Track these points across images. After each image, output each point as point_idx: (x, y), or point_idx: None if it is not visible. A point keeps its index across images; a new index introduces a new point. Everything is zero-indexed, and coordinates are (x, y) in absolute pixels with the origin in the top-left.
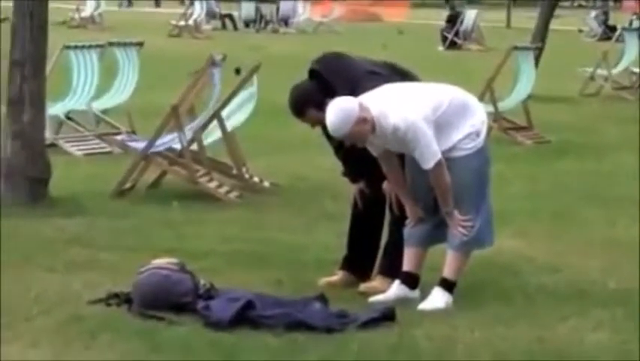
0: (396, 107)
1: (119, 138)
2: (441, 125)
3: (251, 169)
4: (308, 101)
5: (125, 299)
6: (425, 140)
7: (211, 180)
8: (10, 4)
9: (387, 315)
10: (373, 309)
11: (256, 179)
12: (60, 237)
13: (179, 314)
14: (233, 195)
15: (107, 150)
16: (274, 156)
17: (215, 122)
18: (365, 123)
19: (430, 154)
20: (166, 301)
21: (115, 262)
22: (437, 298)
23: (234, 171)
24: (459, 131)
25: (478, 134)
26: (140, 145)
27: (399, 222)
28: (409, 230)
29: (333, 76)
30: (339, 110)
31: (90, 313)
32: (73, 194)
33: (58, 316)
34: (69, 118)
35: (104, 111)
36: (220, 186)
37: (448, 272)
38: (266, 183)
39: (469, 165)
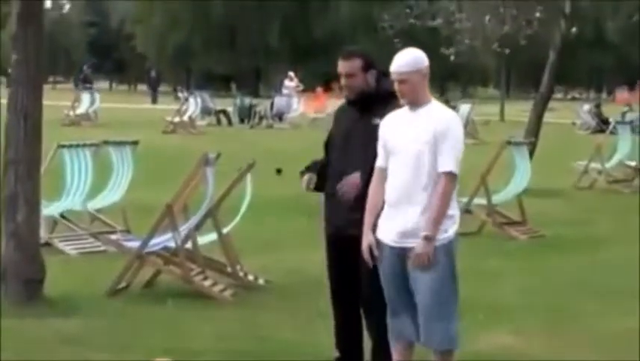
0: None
1: (113, 237)
2: None
3: (245, 267)
4: (365, 55)
5: None
6: (460, 148)
7: (205, 278)
8: (4, 101)
9: None
10: None
11: (250, 277)
12: (55, 337)
13: None
14: (227, 293)
15: (102, 248)
16: (268, 253)
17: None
18: (423, 80)
19: (456, 161)
20: None
21: None
22: None
23: (229, 270)
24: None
25: (455, 220)
26: (135, 244)
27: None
28: (391, 326)
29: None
30: (415, 50)
31: None
32: (68, 293)
33: None
34: (63, 217)
35: (99, 209)
36: (214, 284)
37: None
38: (260, 281)
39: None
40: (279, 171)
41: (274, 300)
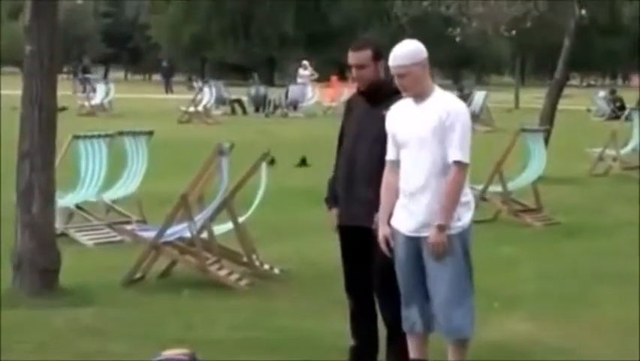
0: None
1: (129, 227)
2: None
3: (261, 256)
4: (375, 46)
5: None
6: (468, 137)
7: (221, 268)
8: (19, 92)
9: None
10: None
11: (266, 266)
12: (71, 327)
13: None
14: (243, 282)
15: (118, 239)
16: (284, 242)
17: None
18: (424, 72)
19: (466, 150)
20: None
21: (126, 352)
22: None
23: (244, 259)
24: None
25: (469, 207)
26: (151, 234)
27: (391, 311)
28: (404, 317)
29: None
30: (412, 42)
31: None
32: (84, 284)
33: None
34: (79, 207)
35: (114, 200)
36: (230, 274)
37: None
38: (276, 270)
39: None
40: (271, 161)
41: (290, 289)
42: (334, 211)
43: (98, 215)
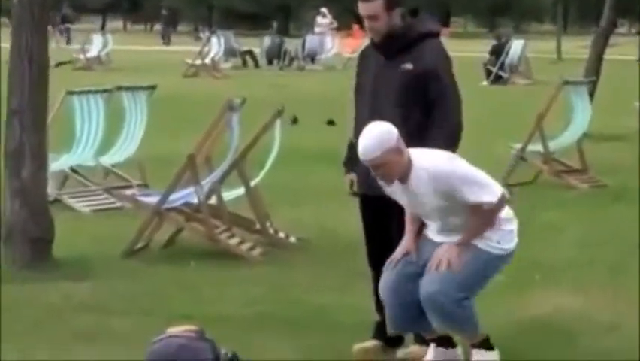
0: (434, 152)
1: (129, 192)
2: None
3: (275, 223)
4: None
5: None
6: (475, 176)
7: (232, 236)
8: (5, 45)
9: None
10: None
11: (281, 234)
12: (66, 303)
13: None
14: (256, 252)
15: (117, 205)
16: (300, 207)
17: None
18: (400, 155)
19: (486, 188)
20: None
21: (128, 330)
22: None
23: (257, 226)
24: None
25: (511, 238)
26: (153, 200)
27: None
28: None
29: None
30: (377, 129)
31: None
32: (80, 255)
33: None
34: (74, 171)
35: (113, 163)
36: (242, 242)
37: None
38: (292, 239)
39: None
40: (294, 120)
41: (307, 260)
42: (351, 176)
43: (95, 179)
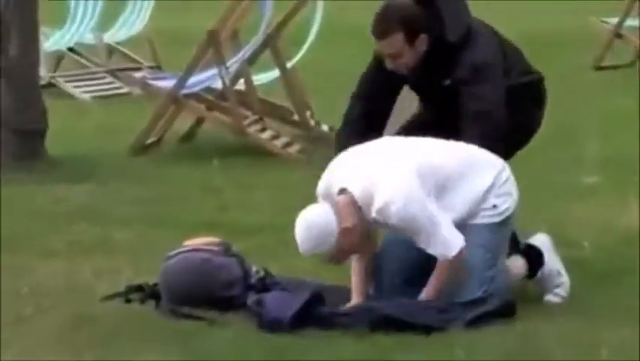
0: (387, 185)
1: (139, 74)
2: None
3: (317, 114)
4: (405, 22)
5: (150, 293)
6: (439, 221)
7: (264, 129)
8: None
9: (504, 309)
10: (487, 301)
11: (324, 127)
12: (62, 209)
13: (223, 313)
14: (293, 148)
15: (124, 90)
16: (347, 93)
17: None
18: (350, 234)
19: (453, 237)
20: (206, 294)
21: (135, 242)
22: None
23: (295, 117)
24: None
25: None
26: (168, 84)
27: None
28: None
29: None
30: (312, 224)
31: (104, 313)
32: (79, 152)
33: (61, 316)
34: (71, 50)
35: (118, 41)
36: (276, 137)
37: None
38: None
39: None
40: None
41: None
42: None
43: (97, 60)
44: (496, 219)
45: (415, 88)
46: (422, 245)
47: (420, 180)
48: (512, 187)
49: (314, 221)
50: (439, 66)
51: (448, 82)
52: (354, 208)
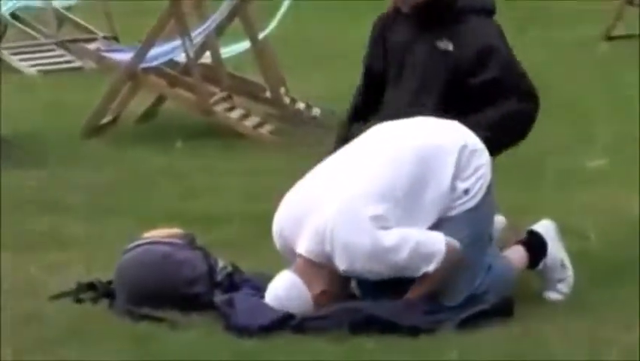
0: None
1: (92, 46)
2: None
3: (292, 90)
4: None
5: (104, 292)
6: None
7: (232, 107)
8: None
9: (501, 308)
10: (481, 299)
11: (300, 105)
12: (12, 197)
13: (186, 312)
14: (265, 129)
15: (75, 64)
16: (327, 70)
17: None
18: (325, 293)
19: (431, 245)
20: (167, 292)
21: (89, 234)
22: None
23: (267, 94)
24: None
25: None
26: (125, 57)
27: None
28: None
29: None
30: (285, 303)
31: (53, 312)
32: (27, 133)
33: (6, 315)
34: (15, 17)
35: (69, 8)
36: (246, 116)
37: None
38: (315, 111)
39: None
40: None
41: (334, 138)
42: None
43: (46, 29)
44: (472, 204)
45: (404, 49)
46: (407, 274)
47: (374, 213)
48: (480, 157)
49: (286, 296)
50: (440, 20)
51: (445, 45)
52: (316, 271)
